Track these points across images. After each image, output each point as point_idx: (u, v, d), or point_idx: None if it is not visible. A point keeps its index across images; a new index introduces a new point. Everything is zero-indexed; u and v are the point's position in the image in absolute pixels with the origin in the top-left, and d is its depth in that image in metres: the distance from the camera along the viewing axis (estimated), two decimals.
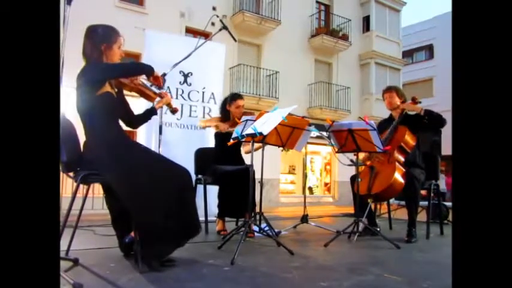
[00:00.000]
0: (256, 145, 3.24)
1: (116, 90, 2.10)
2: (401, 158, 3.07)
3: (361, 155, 3.18)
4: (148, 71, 2.09)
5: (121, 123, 2.15)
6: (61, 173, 1.94)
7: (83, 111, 1.94)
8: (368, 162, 3.19)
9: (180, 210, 1.90)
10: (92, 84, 1.92)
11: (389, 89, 3.34)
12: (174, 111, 2.46)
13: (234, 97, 3.41)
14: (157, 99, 2.33)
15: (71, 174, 1.95)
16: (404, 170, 2.98)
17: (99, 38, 2.00)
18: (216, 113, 3.95)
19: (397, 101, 3.25)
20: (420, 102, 3.14)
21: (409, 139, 3.08)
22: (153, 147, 3.55)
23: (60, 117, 1.85)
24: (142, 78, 2.23)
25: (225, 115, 3.41)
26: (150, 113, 2.32)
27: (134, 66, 2.11)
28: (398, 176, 2.91)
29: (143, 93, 2.28)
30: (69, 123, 1.93)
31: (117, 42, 2.04)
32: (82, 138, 1.98)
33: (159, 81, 2.17)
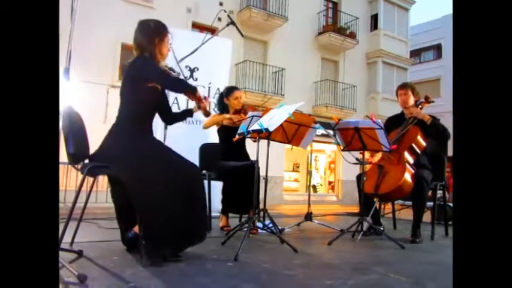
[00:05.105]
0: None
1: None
2: (411, 159, 3.04)
3: (376, 157, 3.17)
4: (191, 91, 2.15)
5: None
6: (67, 167, 1.95)
7: (124, 98, 2.03)
8: (375, 161, 3.16)
9: (186, 214, 1.91)
10: (139, 78, 1.99)
11: (404, 86, 3.29)
12: (203, 110, 2.33)
13: (230, 89, 3.41)
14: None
15: (78, 166, 1.95)
16: (413, 171, 2.95)
17: (153, 32, 2.08)
18: None
19: (412, 99, 3.22)
20: (433, 102, 3.12)
21: (421, 140, 3.05)
22: None
23: (69, 109, 1.88)
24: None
25: (223, 109, 3.40)
26: (186, 114, 2.40)
27: (183, 85, 2.20)
28: (407, 177, 2.88)
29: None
30: (77, 115, 1.94)
31: (167, 37, 2.13)
32: (90, 130, 1.99)
33: (202, 103, 2.19)
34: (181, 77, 2.29)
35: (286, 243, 2.38)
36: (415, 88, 3.31)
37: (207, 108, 2.26)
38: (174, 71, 2.27)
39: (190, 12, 11.05)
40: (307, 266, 1.98)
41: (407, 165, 2.95)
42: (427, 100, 3.11)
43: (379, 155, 3.16)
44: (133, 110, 2.02)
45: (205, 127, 3.42)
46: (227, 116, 3.27)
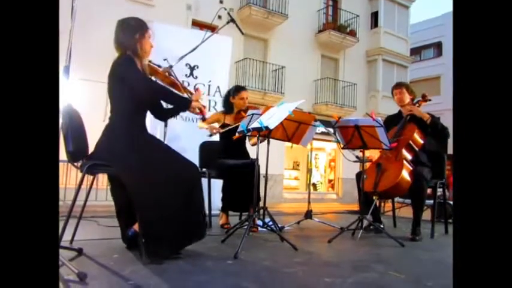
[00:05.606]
0: (253, 140, 3.21)
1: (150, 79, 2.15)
2: (409, 156, 3.04)
3: (376, 154, 3.17)
4: (184, 105, 2.14)
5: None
6: (67, 165, 1.95)
7: (113, 97, 2.00)
8: (374, 159, 3.17)
9: (186, 213, 1.91)
10: (123, 79, 1.96)
11: (399, 85, 3.32)
12: (201, 113, 2.29)
13: (238, 89, 3.41)
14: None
15: (77, 164, 1.95)
16: (411, 168, 2.96)
17: (133, 28, 2.06)
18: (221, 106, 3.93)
19: (407, 97, 3.23)
20: (430, 100, 3.13)
21: (418, 137, 3.06)
22: None
23: (68, 107, 1.88)
24: (170, 74, 2.29)
25: (228, 108, 3.40)
26: (180, 109, 2.31)
27: (175, 98, 2.17)
28: (405, 174, 2.88)
29: (176, 87, 2.29)
30: (76, 113, 1.94)
31: (148, 33, 2.10)
32: (89, 129, 1.99)
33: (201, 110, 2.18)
34: (183, 73, 2.27)
35: (286, 241, 2.38)
36: (410, 86, 3.33)
37: (204, 113, 2.25)
38: (161, 67, 2.28)
39: (191, 10, 11.02)
40: (307, 264, 1.98)
41: (405, 163, 2.95)
42: (424, 98, 3.13)
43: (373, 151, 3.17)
44: (124, 108, 1.99)
45: (200, 127, 3.44)
46: (221, 127, 3.28)
